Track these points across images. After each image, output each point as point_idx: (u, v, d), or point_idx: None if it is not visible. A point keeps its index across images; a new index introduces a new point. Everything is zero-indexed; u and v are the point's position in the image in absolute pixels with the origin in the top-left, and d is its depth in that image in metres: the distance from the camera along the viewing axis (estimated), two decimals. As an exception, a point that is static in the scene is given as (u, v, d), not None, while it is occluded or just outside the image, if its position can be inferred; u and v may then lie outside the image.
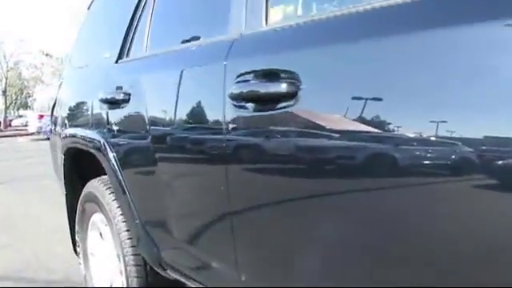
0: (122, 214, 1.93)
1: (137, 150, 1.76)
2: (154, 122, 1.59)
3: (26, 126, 27.98)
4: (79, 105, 2.28)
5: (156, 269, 1.78)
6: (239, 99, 1.16)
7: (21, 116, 39.92)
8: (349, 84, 0.95)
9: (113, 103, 1.87)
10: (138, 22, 1.96)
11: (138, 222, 1.78)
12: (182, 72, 1.48)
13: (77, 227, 2.42)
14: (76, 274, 2.87)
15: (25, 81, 44.75)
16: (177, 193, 1.59)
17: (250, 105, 1.14)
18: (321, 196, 1.02)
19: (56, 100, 2.75)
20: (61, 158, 2.45)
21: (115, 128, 1.86)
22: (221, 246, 1.41)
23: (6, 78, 38.51)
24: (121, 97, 1.80)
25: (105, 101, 1.93)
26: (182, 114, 1.45)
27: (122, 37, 2.01)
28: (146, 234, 1.77)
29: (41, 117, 22.38)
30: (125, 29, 2.00)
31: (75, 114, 2.33)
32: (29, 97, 48.05)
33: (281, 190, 1.13)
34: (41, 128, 20.36)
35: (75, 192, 2.46)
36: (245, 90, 1.14)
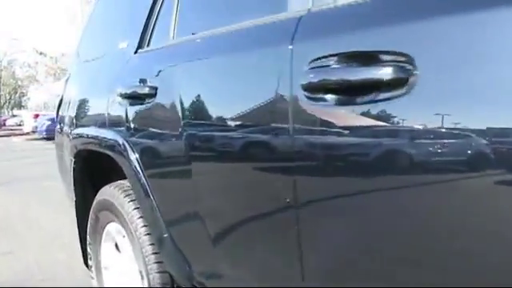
0: (145, 226, 1.69)
1: (166, 151, 1.51)
2: (191, 118, 1.35)
3: (20, 125, 27.68)
4: (91, 102, 2.04)
5: (186, 289, 1.54)
6: (315, 90, 0.92)
7: (15, 116, 39.47)
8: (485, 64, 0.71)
9: (135, 98, 1.63)
10: (160, 6, 1.71)
11: (166, 235, 1.53)
12: (228, 60, 1.25)
13: (88, 238, 2.18)
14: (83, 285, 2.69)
15: (19, 80, 44.33)
16: (218, 202, 1.35)
17: (331, 97, 0.90)
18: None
19: (62, 98, 2.50)
20: (70, 160, 2.20)
21: (138, 126, 1.62)
22: (275, 268, 1.17)
23: (0, 77, 38.09)
24: (145, 91, 1.56)
25: (124, 96, 1.69)
26: (231, 109, 1.21)
27: (142, 24, 1.77)
28: (176, 248, 1.53)
29: (36, 116, 22.19)
30: (145, 15, 1.76)
31: (87, 113, 2.08)
32: (23, 96, 47.63)
33: (379, 210, 0.88)
34: (36, 127, 20.08)
35: (86, 198, 2.22)
36: (327, 78, 0.90)
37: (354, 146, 0.89)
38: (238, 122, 1.19)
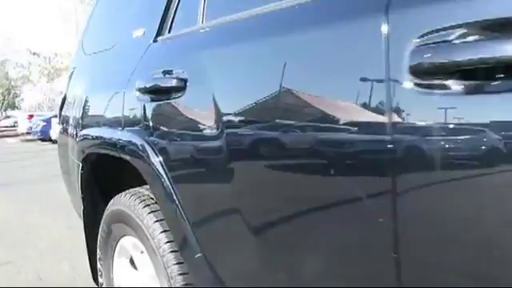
0: (169, 242, 1.45)
1: (200, 153, 1.26)
2: (234, 114, 1.11)
3: (14, 126, 27.36)
4: (102, 99, 1.79)
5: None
6: (431, 74, 0.68)
7: (9, 116, 38.95)
8: None
9: (158, 93, 1.38)
10: (184, -13, 1.47)
11: (199, 255, 1.29)
12: (283, 41, 1.00)
13: (99, 252, 1.93)
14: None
15: (12, 80, 43.90)
16: (269, 213, 1.10)
17: (453, 83, 0.66)
18: None
19: (65, 96, 2.25)
20: (76, 165, 1.96)
21: (162, 125, 1.38)
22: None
23: (-7, 78, 37.72)
24: (171, 84, 1.31)
25: (144, 91, 1.44)
26: (292, 103, 0.96)
27: (162, 8, 1.52)
28: (212, 270, 1.29)
29: (30, 117, 21.94)
30: (165, -3, 1.52)
31: (97, 111, 1.84)
32: (16, 97, 47.16)
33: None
34: (31, 128, 19.78)
35: (96, 207, 1.97)
36: (449, 58, 0.65)
37: (488, 151, 0.65)
38: (306, 119, 0.93)
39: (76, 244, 3.82)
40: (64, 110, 2.24)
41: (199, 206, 1.31)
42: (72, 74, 2.24)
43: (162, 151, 1.36)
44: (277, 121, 1.00)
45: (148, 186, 1.71)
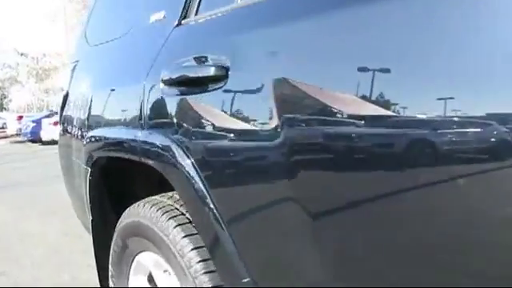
0: (203, 261, 1.22)
1: (249, 154, 1.03)
2: (295, 108, 0.89)
3: (3, 128, 26.89)
4: (114, 95, 1.55)
5: None
6: None
7: (-3, 118, 38.31)
8: None
9: (190, 85, 1.16)
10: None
11: (247, 279, 1.06)
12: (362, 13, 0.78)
13: (111, 269, 1.70)
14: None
15: (-1, 81, 43.36)
16: (339, 228, 0.88)
17: None
18: None
19: (67, 93, 2.02)
20: (84, 170, 1.72)
21: (195, 123, 1.15)
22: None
23: (-20, 79, 37.17)
24: (208, 73, 1.09)
25: (171, 83, 1.22)
26: (375, 94, 0.74)
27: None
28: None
29: (19, 118, 21.53)
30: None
31: (107, 109, 1.60)
32: (4, 98, 46.55)
33: None
34: (20, 130, 19.37)
35: (106, 218, 1.75)
36: None
37: None
38: (385, 114, 0.72)
39: (74, 251, 3.60)
40: (66, 108, 2.00)
41: (248, 217, 1.08)
42: (75, 68, 2.00)
43: (196, 153, 1.14)
44: (357, 117, 0.78)
45: (170, 195, 1.49)
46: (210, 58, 1.11)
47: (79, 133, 1.81)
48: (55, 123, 14.92)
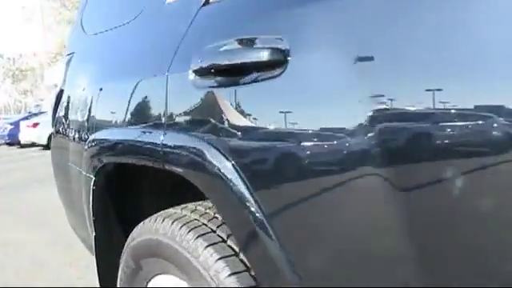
0: (245, 290, 1.00)
1: (321, 157, 0.79)
2: (393, 102, 0.68)
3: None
4: (125, 89, 1.31)
5: None
6: None
7: (-28, 121, 37.21)
8: None
9: (233, 73, 0.93)
10: None
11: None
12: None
13: (120, 292, 1.46)
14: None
15: (-26, 83, 42.32)
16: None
17: None
18: None
19: (61, 90, 1.76)
20: (85, 179, 1.48)
21: (241, 120, 0.92)
22: None
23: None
24: (260, 57, 0.86)
25: (206, 72, 0.99)
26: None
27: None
28: None
29: (-5, 120, 20.85)
30: None
31: (116, 107, 1.35)
32: (-20, 100, 45.44)
33: None
34: (-3, 132, 18.75)
35: (112, 234, 1.51)
36: None
37: None
38: None
39: (64, 263, 3.32)
40: (60, 107, 1.75)
41: (302, 226, 0.86)
42: (69, 61, 1.75)
43: (241, 157, 0.91)
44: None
45: (192, 207, 1.26)
46: (259, 40, 0.89)
47: (78, 135, 1.56)
48: (34, 125, 14.48)
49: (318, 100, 0.78)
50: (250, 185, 0.91)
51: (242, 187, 0.91)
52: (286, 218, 0.89)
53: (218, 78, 0.96)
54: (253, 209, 0.92)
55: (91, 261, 1.57)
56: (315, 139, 0.79)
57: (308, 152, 0.81)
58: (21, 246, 3.81)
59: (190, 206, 1.29)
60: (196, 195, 1.33)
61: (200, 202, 1.32)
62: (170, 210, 1.30)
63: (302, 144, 0.81)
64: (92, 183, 1.42)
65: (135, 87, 1.24)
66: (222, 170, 0.94)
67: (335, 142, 0.76)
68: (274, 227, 0.88)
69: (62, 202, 1.95)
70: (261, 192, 0.90)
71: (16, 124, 16.38)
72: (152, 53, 1.21)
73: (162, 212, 1.31)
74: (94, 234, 1.51)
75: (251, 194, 0.91)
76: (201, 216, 1.21)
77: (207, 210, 1.24)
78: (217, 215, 1.21)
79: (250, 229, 0.93)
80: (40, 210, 5.02)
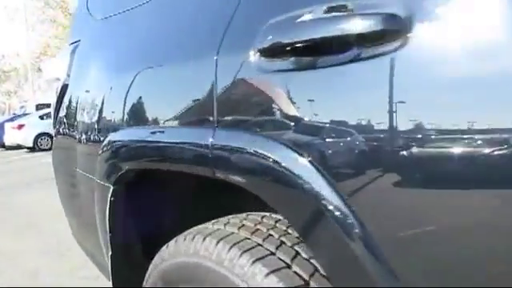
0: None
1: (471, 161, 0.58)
2: None
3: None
4: (154, 80, 1.07)
5: None
6: None
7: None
8: None
9: (323, 51, 0.70)
10: None
11: None
12: None
13: (143, 323, 1.23)
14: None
15: (-44, 84, 41.44)
16: None
17: None
18: None
19: (65, 85, 1.52)
20: (99, 188, 1.25)
21: (336, 113, 0.69)
22: None
23: None
24: (367, 27, 0.63)
25: (281, 51, 0.75)
26: None
27: None
28: None
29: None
30: None
31: (144, 101, 1.11)
32: (-38, 102, 44.53)
33: None
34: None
35: (132, 252, 1.28)
36: None
37: None
38: None
39: (59, 274, 3.06)
40: (65, 103, 1.51)
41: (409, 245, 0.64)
42: (74, 50, 1.51)
43: (332, 163, 0.69)
44: None
45: (239, 223, 1.04)
46: (357, 4, 0.66)
47: (89, 135, 1.33)
48: (19, 127, 14.08)
49: (449, 86, 0.56)
50: (344, 196, 0.69)
51: (333, 199, 0.69)
52: (395, 237, 0.66)
53: (300, 58, 0.73)
54: (354, 229, 0.69)
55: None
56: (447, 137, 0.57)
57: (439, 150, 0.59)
58: (10, 255, 3.54)
59: (233, 220, 1.07)
60: (239, 208, 1.11)
61: (244, 216, 1.09)
62: (209, 226, 1.07)
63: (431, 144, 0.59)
64: (110, 194, 1.18)
65: (168, 76, 1.01)
66: (305, 179, 0.71)
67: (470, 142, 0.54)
68: (382, 248, 0.66)
69: (64, 211, 1.71)
70: (359, 206, 0.67)
71: (1, 126, 15.94)
72: (191, 33, 0.98)
73: (197, 228, 1.09)
74: (110, 252, 1.28)
75: (347, 206, 0.68)
76: (252, 234, 0.98)
77: (258, 226, 1.02)
78: (271, 233, 0.99)
79: (346, 251, 0.70)
80: (29, 216, 4.75)
